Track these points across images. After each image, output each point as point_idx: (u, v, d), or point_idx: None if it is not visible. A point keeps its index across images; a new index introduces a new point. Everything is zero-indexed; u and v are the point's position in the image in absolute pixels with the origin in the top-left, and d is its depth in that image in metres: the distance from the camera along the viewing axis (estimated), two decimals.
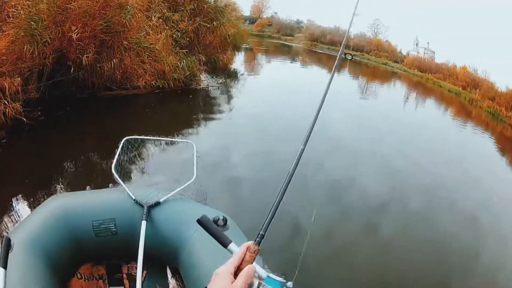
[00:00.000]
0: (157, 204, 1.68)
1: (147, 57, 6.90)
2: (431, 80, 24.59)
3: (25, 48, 4.63)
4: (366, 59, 32.37)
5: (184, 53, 7.69)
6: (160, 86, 7.14)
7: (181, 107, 7.22)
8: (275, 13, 37.37)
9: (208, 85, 8.27)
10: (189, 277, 1.51)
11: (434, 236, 3.93)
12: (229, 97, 8.40)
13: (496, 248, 4.06)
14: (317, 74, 17.62)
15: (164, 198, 1.72)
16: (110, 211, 1.62)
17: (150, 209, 1.64)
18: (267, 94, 9.47)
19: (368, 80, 20.03)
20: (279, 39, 34.53)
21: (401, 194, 4.95)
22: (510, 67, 23.83)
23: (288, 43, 33.45)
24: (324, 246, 3.19)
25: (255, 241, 0.66)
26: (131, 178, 3.18)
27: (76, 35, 5.49)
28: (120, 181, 1.80)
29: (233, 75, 11.26)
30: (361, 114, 9.78)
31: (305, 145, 0.90)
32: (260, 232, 0.68)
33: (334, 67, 1.31)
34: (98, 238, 1.58)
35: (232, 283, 0.57)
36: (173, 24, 8.23)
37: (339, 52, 1.43)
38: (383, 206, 4.40)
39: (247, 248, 0.63)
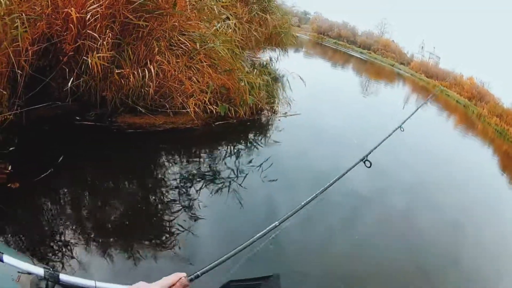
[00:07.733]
0: None
1: (207, 64, 3.89)
2: (438, 87, 23.99)
3: None
4: (373, 58, 31.05)
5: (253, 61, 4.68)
6: (222, 114, 4.18)
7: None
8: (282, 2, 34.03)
9: (286, 113, 5.24)
10: None
11: (412, 235, 3.61)
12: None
13: (472, 251, 3.80)
14: None
15: None
16: None
17: None
18: None
19: (373, 79, 18.66)
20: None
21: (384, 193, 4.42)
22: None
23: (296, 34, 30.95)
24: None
25: (189, 276, 0.69)
26: None
27: (79, 12, 2.49)
28: None
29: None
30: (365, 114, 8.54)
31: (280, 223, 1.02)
32: (198, 272, 0.73)
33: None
34: None
35: None
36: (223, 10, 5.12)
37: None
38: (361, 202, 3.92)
39: (179, 278, 0.66)
